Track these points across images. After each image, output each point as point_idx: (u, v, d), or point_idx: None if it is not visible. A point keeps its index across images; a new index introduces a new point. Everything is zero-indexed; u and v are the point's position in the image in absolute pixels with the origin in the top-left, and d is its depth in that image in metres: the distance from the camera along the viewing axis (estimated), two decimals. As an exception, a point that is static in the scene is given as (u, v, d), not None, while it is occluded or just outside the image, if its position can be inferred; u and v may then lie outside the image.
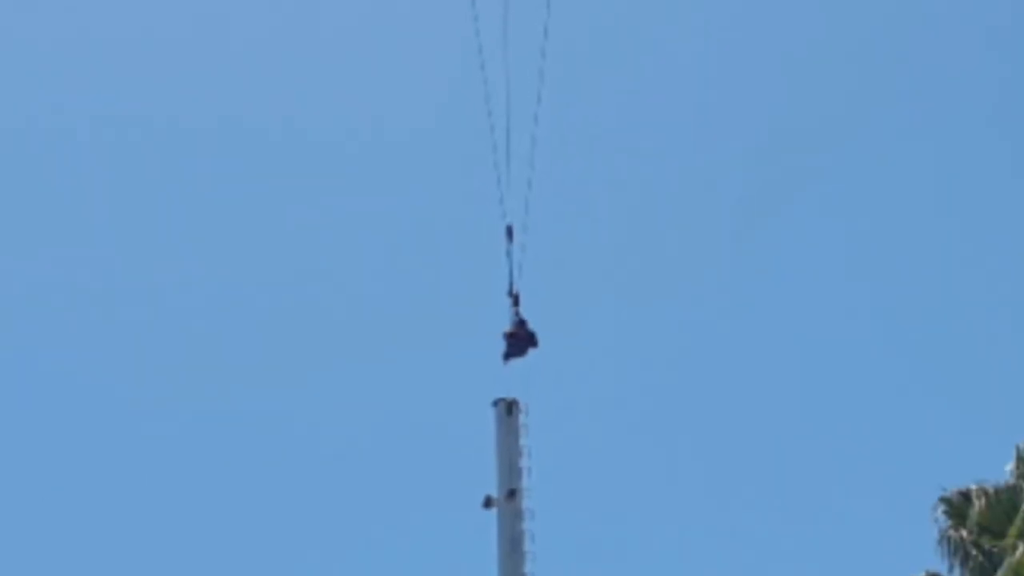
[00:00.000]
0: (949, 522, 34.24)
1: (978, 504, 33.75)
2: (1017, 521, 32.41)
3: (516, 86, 27.50)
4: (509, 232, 26.20)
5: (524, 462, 25.78)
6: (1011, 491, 33.74)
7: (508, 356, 25.77)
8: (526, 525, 25.23)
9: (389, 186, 77.74)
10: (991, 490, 34.08)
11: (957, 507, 34.35)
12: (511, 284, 25.97)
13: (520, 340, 25.73)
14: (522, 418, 26.12)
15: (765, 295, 79.91)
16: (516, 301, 26.12)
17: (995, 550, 32.61)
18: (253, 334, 76.22)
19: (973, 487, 34.47)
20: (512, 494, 25.65)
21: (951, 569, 33.93)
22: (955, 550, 33.77)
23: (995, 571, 32.07)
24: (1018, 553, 31.34)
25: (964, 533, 33.62)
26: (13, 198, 78.31)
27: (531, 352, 25.58)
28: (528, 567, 25.04)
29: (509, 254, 25.96)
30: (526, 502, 25.45)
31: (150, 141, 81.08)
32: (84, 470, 69.47)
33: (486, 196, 26.76)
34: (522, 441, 25.92)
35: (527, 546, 24.95)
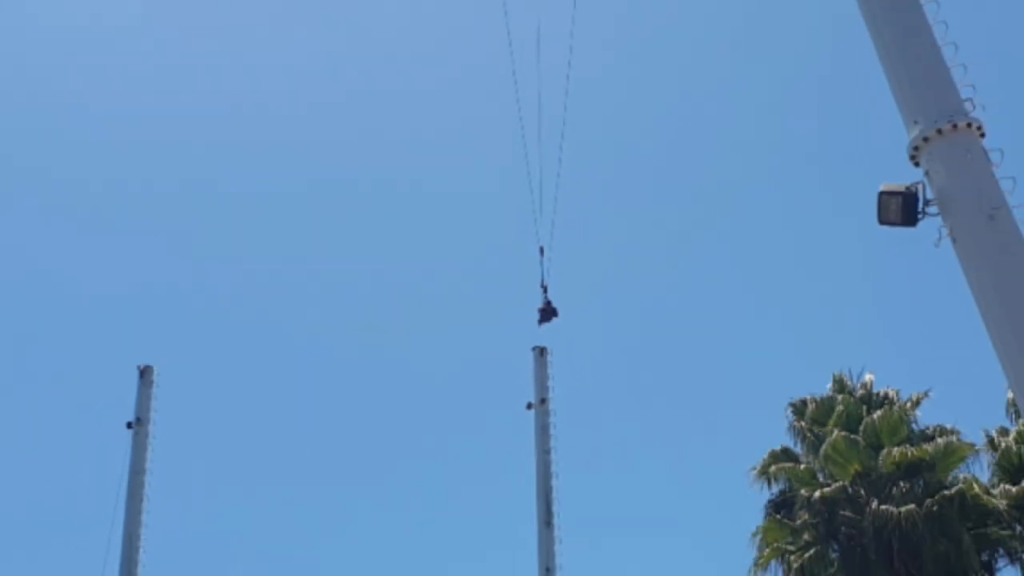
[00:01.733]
0: (794, 417, 38.53)
1: (811, 407, 38.32)
2: (832, 418, 37.14)
3: (545, 159, 32.02)
4: (541, 250, 30.73)
5: (550, 383, 31.73)
6: (830, 400, 38.24)
7: (541, 322, 29.94)
8: (551, 419, 31.11)
9: (468, 221, 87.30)
10: (818, 399, 38.60)
11: (799, 409, 38.69)
12: (542, 280, 29.94)
13: (548, 313, 29.93)
14: (548, 358, 32.10)
15: (703, 279, 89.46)
16: (545, 290, 30.40)
17: (820, 433, 36.91)
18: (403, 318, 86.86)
19: (808, 397, 38.91)
20: (543, 401, 31.56)
21: (795, 444, 38.08)
22: (797, 434, 38.11)
23: (820, 445, 36.27)
24: (833, 435, 35.98)
25: (803, 424, 37.95)
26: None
27: (554, 320, 29.72)
28: (552, 443, 31.26)
29: (541, 263, 30.01)
30: (551, 406, 31.72)
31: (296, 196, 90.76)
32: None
33: (526, 227, 32.33)
34: (549, 371, 31.89)
35: (551, 431, 31.05)
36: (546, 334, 31.10)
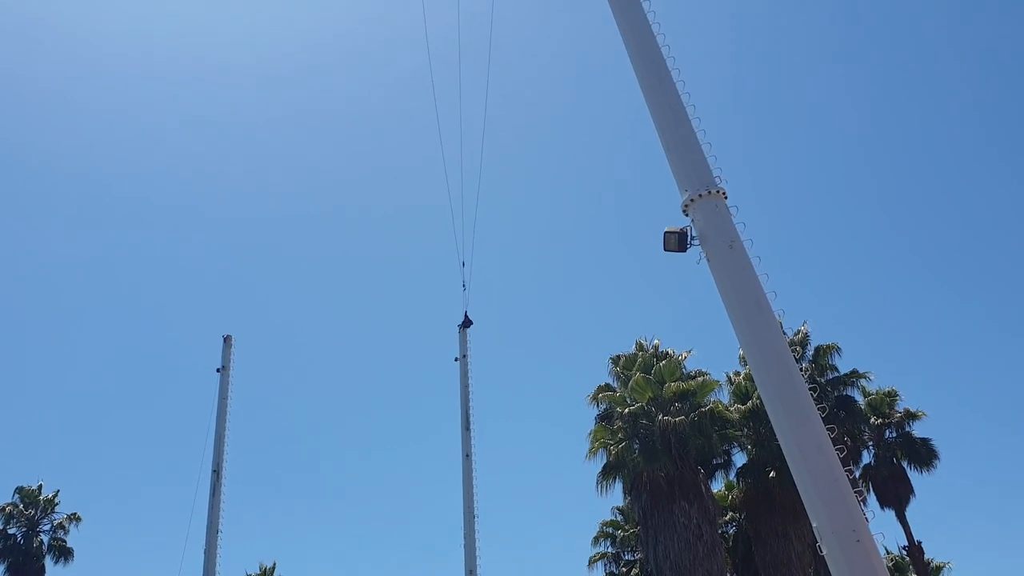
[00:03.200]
0: (612, 366, 38.14)
1: (623, 360, 37.93)
2: (635, 365, 36.87)
3: (467, 200, 32.49)
4: (464, 285, 30.51)
5: (468, 346, 32.00)
6: (634, 355, 37.75)
7: (463, 327, 30.80)
8: (468, 367, 31.47)
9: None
10: (627, 355, 38.14)
11: (616, 360, 38.14)
12: (465, 310, 30.98)
13: (467, 322, 30.50)
14: (467, 332, 32.42)
15: (562, 289, 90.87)
16: (466, 314, 31.38)
17: (628, 375, 36.66)
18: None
19: (621, 354, 38.34)
20: (464, 356, 31.70)
21: (614, 382, 37.67)
22: (615, 376, 37.76)
23: (628, 382, 36.19)
24: (636, 376, 35.96)
25: (618, 369, 37.65)
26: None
27: (470, 326, 30.90)
28: (469, 381, 31.17)
29: (464, 297, 31.26)
30: (469, 360, 31.73)
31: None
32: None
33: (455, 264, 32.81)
34: (467, 340, 32.13)
35: (469, 374, 31.25)
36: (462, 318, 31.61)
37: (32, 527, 44.64)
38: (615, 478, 35.09)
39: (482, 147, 31.99)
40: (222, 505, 26.84)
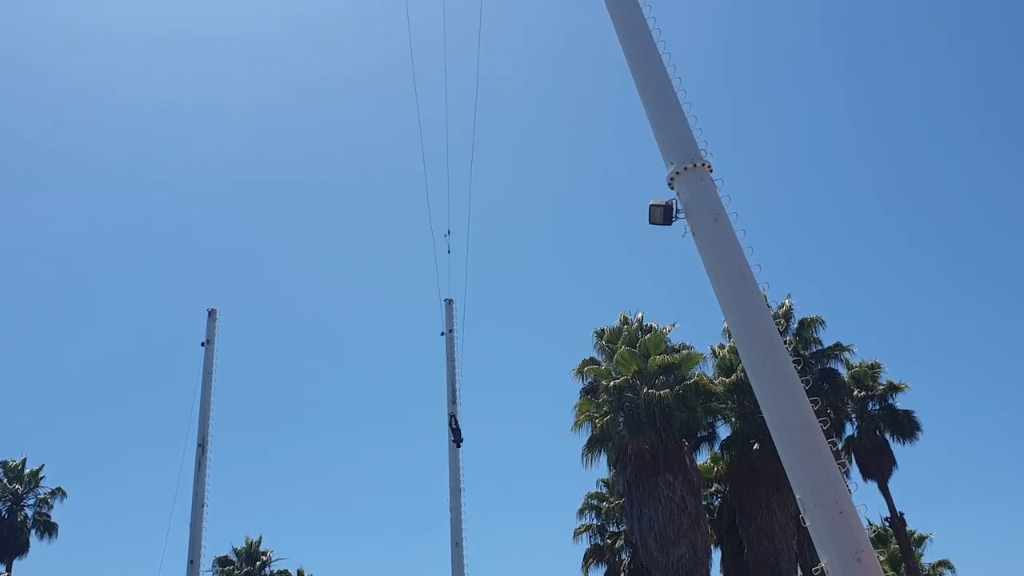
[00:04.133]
0: (597, 339, 37.78)
1: (607, 333, 37.65)
2: (620, 339, 36.71)
3: (457, 176, 32.04)
4: (452, 420, 29.00)
5: (455, 323, 31.91)
6: (619, 329, 37.50)
7: (457, 443, 28.66)
8: (456, 343, 31.37)
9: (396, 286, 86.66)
10: (611, 328, 37.83)
11: (600, 334, 37.79)
12: (454, 420, 29.17)
13: (458, 436, 28.66)
14: (454, 308, 32.07)
15: (550, 266, 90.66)
16: (456, 421, 29.22)
17: (613, 348, 36.53)
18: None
19: (605, 327, 37.98)
20: (450, 331, 31.51)
21: (599, 355, 37.44)
22: (600, 349, 37.53)
23: (613, 355, 36.05)
24: (620, 349, 35.70)
25: (603, 343, 37.38)
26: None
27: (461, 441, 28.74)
28: (456, 355, 30.97)
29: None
30: (455, 334, 31.59)
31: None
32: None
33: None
34: (454, 316, 32.03)
35: (456, 349, 31.04)
36: (448, 293, 31.61)
37: (16, 502, 44.57)
38: (600, 451, 35.13)
39: (475, 115, 31.59)
40: (208, 480, 26.86)
